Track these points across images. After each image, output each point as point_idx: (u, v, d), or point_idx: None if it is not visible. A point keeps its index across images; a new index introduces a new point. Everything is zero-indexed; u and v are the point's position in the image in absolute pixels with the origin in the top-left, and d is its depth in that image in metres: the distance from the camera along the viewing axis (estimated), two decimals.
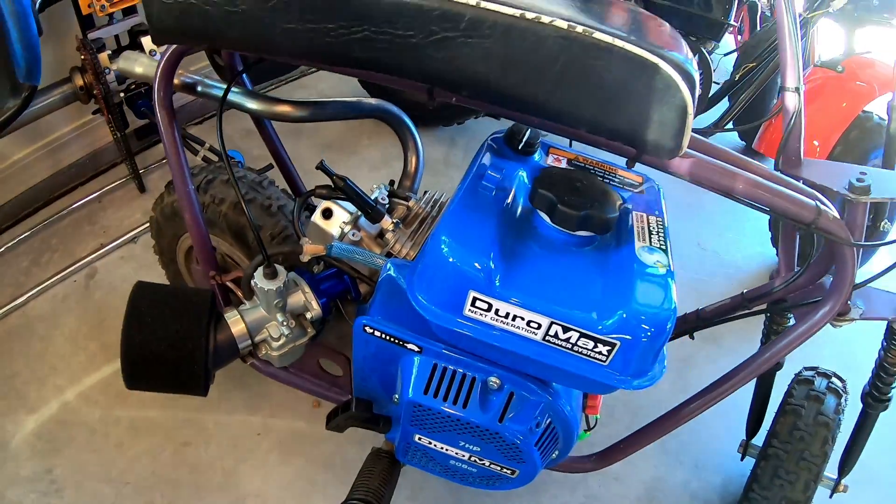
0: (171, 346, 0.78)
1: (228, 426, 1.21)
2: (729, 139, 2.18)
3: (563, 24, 0.55)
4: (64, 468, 1.11)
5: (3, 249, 1.48)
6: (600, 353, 0.62)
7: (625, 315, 0.60)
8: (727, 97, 1.86)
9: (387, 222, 0.81)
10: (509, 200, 0.70)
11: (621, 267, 0.64)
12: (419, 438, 0.79)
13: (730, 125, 1.80)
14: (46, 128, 1.72)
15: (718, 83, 1.82)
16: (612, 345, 0.61)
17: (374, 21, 0.58)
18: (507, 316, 0.63)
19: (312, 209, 0.85)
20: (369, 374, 0.80)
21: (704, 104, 1.76)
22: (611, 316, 0.61)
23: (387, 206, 0.87)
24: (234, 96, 0.86)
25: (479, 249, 0.63)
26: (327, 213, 0.81)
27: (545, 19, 0.55)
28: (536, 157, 0.79)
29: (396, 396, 0.78)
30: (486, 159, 0.75)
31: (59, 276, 1.44)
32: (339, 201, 0.83)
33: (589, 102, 0.59)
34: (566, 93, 0.59)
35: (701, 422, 1.30)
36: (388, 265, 0.73)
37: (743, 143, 2.12)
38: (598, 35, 0.55)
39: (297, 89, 2.31)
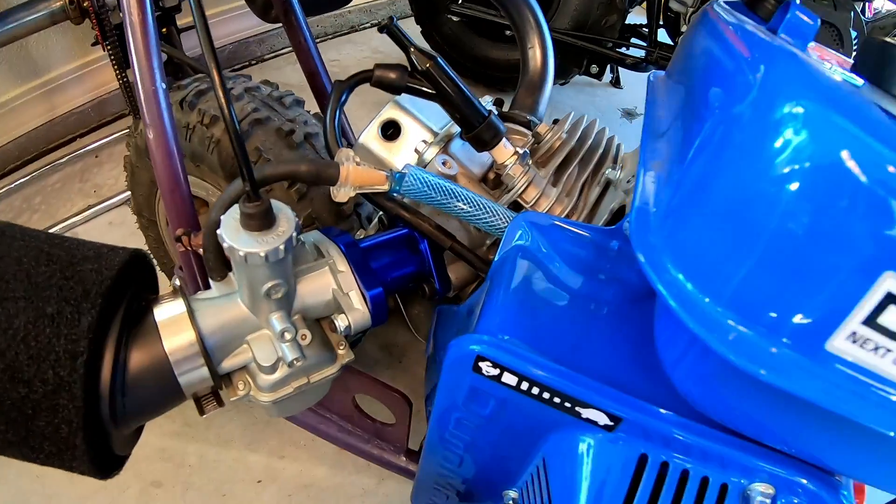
0: (10, 371, 0.34)
1: (217, 464, 0.95)
2: None
3: None
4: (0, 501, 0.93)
5: None
6: None
7: None
8: None
9: (505, 151, 0.42)
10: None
11: None
12: None
13: None
14: (43, 64, 1.49)
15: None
16: None
17: None
18: None
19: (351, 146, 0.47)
20: (474, 450, 0.39)
21: None
22: None
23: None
24: None
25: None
26: (390, 129, 0.43)
27: None
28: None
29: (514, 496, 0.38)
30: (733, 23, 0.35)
31: None
32: (411, 107, 0.44)
33: None
34: None
35: None
36: (523, 222, 0.34)
37: None
38: None
39: (345, 44, 2.06)
